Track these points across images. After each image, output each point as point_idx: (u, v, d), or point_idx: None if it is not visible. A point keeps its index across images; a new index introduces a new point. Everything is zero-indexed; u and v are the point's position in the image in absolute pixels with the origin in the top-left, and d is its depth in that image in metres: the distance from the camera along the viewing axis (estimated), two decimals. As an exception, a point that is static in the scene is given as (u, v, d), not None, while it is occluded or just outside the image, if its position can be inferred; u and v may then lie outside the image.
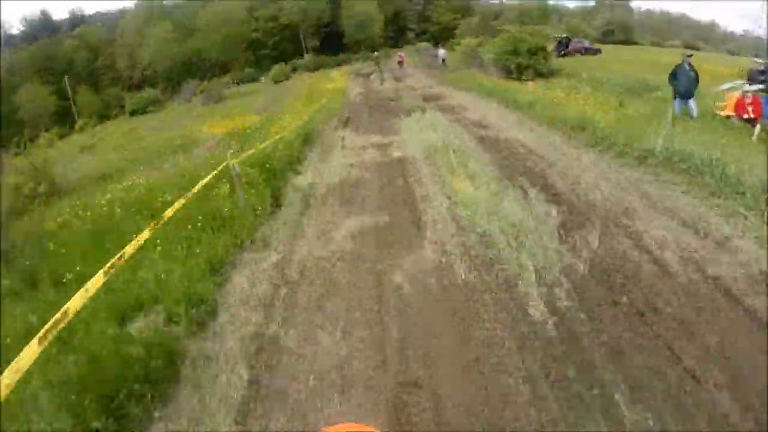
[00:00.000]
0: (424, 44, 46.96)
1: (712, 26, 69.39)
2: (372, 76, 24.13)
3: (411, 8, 61.62)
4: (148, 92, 37.20)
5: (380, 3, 51.47)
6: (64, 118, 46.20)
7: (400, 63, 26.05)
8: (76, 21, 55.88)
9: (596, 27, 56.64)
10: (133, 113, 36.26)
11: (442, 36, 56.08)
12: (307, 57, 43.70)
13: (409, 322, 3.00)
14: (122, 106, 41.25)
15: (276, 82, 32.63)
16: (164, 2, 52.06)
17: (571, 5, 58.16)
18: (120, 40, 50.68)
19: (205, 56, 46.52)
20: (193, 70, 48.61)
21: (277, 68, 35.62)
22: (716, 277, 3.15)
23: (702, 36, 62.35)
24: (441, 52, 26.00)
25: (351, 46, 49.80)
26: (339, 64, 40.83)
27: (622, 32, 58.65)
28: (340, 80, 25.09)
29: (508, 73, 17.23)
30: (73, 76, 49.30)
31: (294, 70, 41.96)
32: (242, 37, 48.90)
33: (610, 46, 37.67)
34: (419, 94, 15.77)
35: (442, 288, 3.37)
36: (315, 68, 40.74)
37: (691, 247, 3.59)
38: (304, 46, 45.64)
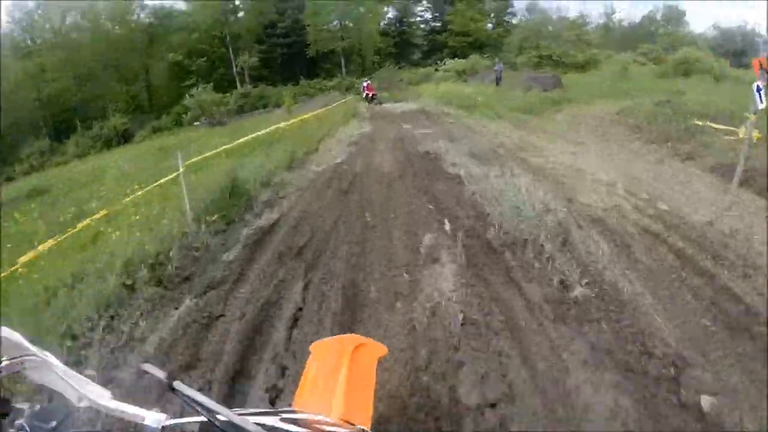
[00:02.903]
0: (469, 62, 25.83)
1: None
2: None
3: (415, 14, 41.58)
4: None
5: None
6: None
7: (371, 97, 18.15)
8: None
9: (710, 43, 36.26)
10: None
11: (469, 53, 36.08)
12: (239, 90, 22.76)
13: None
14: None
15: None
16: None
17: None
18: None
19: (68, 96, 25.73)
20: (52, 118, 28.17)
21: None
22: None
23: None
24: None
25: (329, 68, 29.66)
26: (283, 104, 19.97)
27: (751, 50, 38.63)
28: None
29: None
30: None
31: (229, 114, 21.37)
32: (148, 58, 28.85)
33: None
34: None
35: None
36: (246, 112, 20.00)
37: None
38: (234, 70, 24.83)
